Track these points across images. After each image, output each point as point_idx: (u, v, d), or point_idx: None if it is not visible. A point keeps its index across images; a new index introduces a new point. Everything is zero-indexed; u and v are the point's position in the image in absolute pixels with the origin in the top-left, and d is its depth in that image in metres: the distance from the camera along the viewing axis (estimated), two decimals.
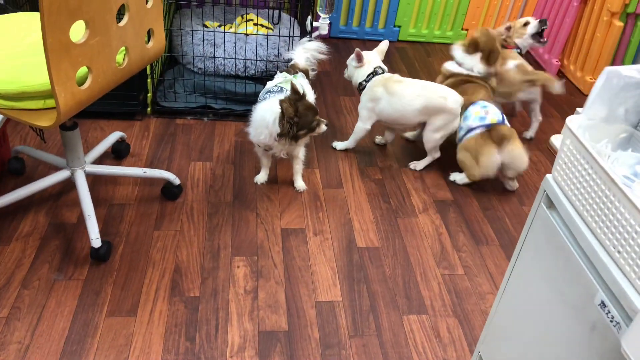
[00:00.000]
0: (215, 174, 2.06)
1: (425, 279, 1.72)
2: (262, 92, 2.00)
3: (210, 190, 1.98)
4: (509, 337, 1.01)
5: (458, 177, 2.13)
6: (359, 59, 2.15)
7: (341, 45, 3.17)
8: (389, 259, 1.78)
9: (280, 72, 2.08)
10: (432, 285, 1.70)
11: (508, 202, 2.09)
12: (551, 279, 0.86)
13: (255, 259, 1.72)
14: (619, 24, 2.70)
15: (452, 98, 2.04)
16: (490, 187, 2.15)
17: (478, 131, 2.00)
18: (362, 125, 2.17)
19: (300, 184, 2.03)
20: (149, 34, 1.59)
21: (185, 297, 1.58)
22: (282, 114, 1.77)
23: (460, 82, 2.18)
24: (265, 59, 2.40)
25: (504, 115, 2.06)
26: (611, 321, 0.70)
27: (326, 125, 1.89)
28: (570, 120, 0.83)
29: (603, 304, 0.72)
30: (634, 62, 2.88)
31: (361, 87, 2.15)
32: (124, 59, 1.49)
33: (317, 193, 2.03)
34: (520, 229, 1.96)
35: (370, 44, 3.14)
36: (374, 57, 2.18)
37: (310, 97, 1.94)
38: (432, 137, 2.10)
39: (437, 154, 2.17)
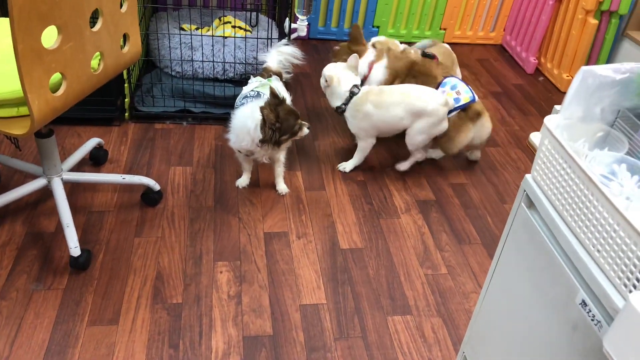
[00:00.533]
0: (196, 179, 2.04)
1: (409, 279, 1.72)
2: (238, 97, 1.98)
3: (191, 195, 1.96)
4: (493, 338, 1.02)
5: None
6: (328, 81, 2.03)
7: (320, 47, 3.16)
8: (372, 260, 1.78)
9: (254, 76, 2.07)
10: (415, 285, 1.70)
11: (489, 200, 2.10)
12: (533, 279, 0.86)
13: (238, 264, 1.71)
14: (593, 21, 2.74)
15: (433, 101, 1.97)
16: (472, 186, 2.17)
17: (454, 113, 2.05)
18: (367, 142, 2.09)
19: (282, 187, 2.02)
20: (125, 38, 1.57)
21: (167, 304, 1.56)
22: (264, 120, 1.75)
23: (409, 73, 2.16)
24: (244, 62, 2.38)
25: (471, 88, 2.08)
26: (592, 320, 0.71)
27: (308, 128, 1.88)
28: (549, 120, 0.84)
29: (584, 303, 0.73)
30: (609, 58, 2.93)
31: (340, 110, 2.06)
32: (99, 65, 1.46)
33: (300, 196, 2.02)
34: (501, 227, 1.97)
35: None
36: (345, 76, 2.05)
37: (287, 100, 1.93)
38: (415, 140, 2.05)
39: (420, 155, 2.15)
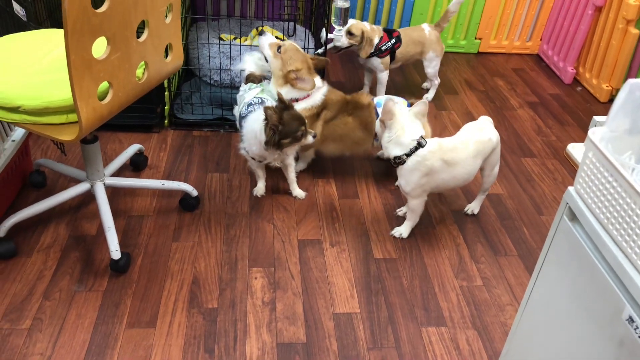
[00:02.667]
0: (232, 185, 2.08)
1: (443, 290, 1.71)
2: (240, 106, 1.98)
3: (227, 202, 1.99)
4: (532, 353, 1.00)
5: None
6: (386, 119, 1.73)
7: (354, 56, 3.17)
8: (406, 270, 1.77)
9: (245, 83, 2.05)
10: (450, 296, 1.69)
11: (526, 211, 2.07)
12: (576, 293, 0.85)
13: (272, 270, 1.73)
14: (634, 31, 2.68)
15: (493, 133, 1.84)
16: (508, 197, 2.14)
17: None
18: (420, 202, 1.83)
19: (297, 192, 2.04)
20: (168, 48, 1.61)
21: (203, 308, 1.59)
22: (266, 120, 1.77)
23: (341, 109, 2.03)
24: None
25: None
26: None
27: (314, 136, 1.86)
28: (593, 133, 0.83)
29: (631, 319, 0.71)
30: None
31: (399, 161, 1.74)
32: (143, 74, 1.51)
33: (333, 204, 2.03)
34: (538, 239, 1.94)
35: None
36: (411, 122, 1.74)
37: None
38: (494, 173, 1.92)
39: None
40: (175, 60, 1.66)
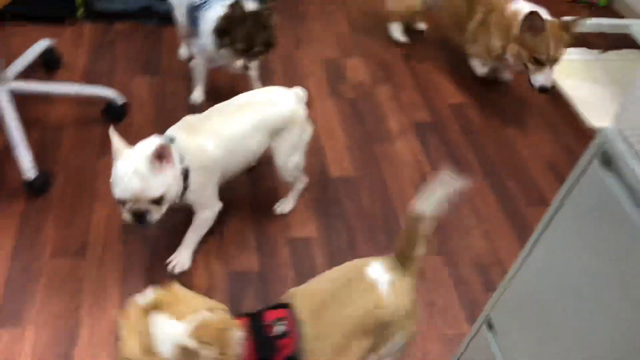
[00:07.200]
0: (165, 92, 1.81)
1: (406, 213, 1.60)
2: None
3: (160, 112, 1.74)
4: (529, 310, 0.89)
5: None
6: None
7: None
8: (366, 190, 1.64)
9: None
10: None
11: (491, 123, 1.92)
12: (604, 258, 0.72)
13: None
14: None
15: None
16: (471, 106, 1.99)
17: None
18: None
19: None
20: None
21: (140, 234, 1.40)
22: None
23: None
24: None
25: None
26: None
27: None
28: None
29: None
30: None
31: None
32: None
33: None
34: (505, 154, 1.82)
35: None
36: None
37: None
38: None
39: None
40: None
